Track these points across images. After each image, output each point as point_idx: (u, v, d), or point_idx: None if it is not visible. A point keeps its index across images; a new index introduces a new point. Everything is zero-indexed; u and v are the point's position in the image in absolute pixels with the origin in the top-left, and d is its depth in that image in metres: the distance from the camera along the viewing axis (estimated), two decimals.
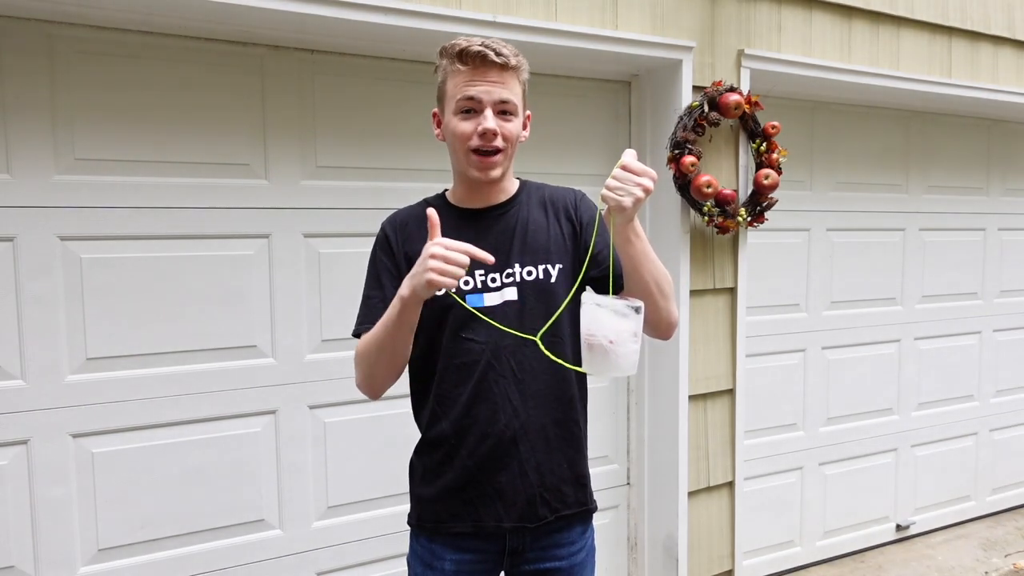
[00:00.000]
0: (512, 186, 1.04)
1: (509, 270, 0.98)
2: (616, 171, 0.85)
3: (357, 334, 1.02)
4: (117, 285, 1.44)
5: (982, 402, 2.72)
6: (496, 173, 0.97)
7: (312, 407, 1.63)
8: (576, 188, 1.08)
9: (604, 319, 0.84)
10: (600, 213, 0.92)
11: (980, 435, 2.72)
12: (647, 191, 0.85)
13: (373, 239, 1.77)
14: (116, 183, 1.43)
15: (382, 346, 0.94)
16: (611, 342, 0.84)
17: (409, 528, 1.06)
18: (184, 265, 1.49)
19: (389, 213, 1.09)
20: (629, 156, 0.87)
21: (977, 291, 2.68)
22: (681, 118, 1.79)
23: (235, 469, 1.56)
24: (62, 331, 1.40)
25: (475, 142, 0.94)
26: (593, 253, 0.97)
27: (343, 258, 1.64)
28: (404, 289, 0.89)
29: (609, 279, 0.91)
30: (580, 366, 1.01)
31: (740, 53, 1.89)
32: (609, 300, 0.85)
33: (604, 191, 0.86)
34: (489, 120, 0.93)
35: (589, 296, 0.87)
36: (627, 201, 0.85)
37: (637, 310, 0.86)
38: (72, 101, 1.38)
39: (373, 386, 1.00)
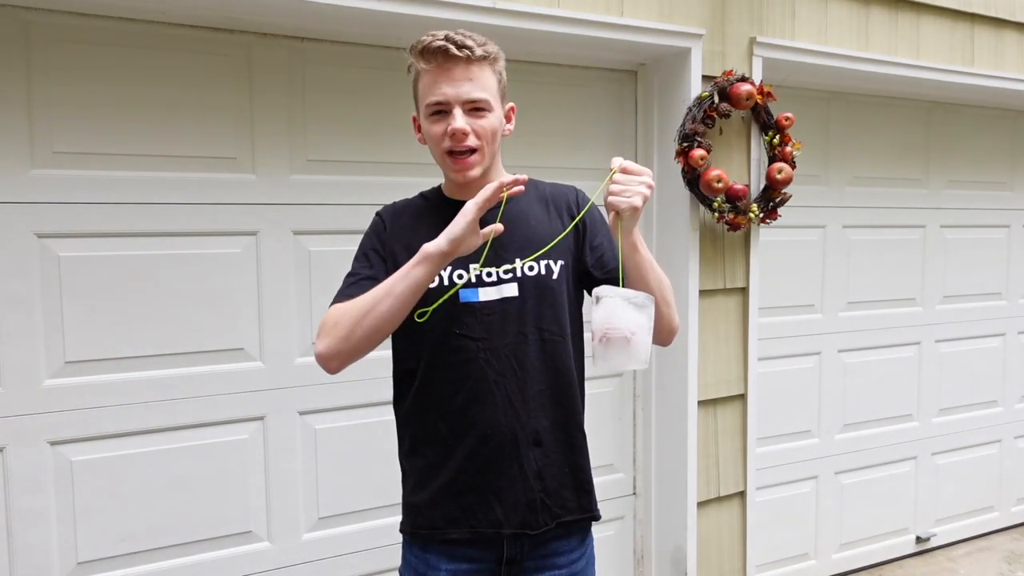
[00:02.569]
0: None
1: (508, 265, 0.94)
2: (617, 176, 0.87)
3: (339, 300, 0.94)
4: (97, 285, 1.38)
5: (1006, 408, 2.61)
6: (475, 173, 0.94)
7: (302, 413, 1.57)
8: (575, 186, 1.04)
9: (624, 311, 0.86)
10: (597, 216, 0.95)
11: (1004, 442, 2.62)
12: (650, 187, 0.87)
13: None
14: (96, 177, 1.37)
15: (373, 306, 0.87)
16: (633, 334, 0.85)
17: (402, 538, 1.01)
18: (168, 264, 1.43)
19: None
20: (621, 160, 0.88)
21: (1001, 291, 2.58)
22: (690, 109, 1.71)
23: (221, 478, 1.49)
24: (39, 333, 1.34)
25: (447, 144, 0.91)
26: (597, 255, 0.97)
27: (334, 256, 1.57)
28: (431, 246, 0.86)
29: (620, 280, 0.91)
30: (577, 366, 1.00)
31: (752, 41, 1.81)
32: (627, 292, 0.87)
33: (611, 199, 0.87)
34: (458, 120, 0.89)
35: (606, 289, 0.88)
36: (637, 200, 0.86)
37: (651, 300, 0.89)
38: (50, 92, 1.33)
39: (344, 351, 0.88)
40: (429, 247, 0.86)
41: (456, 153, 0.91)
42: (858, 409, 2.29)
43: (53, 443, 1.36)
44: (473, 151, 0.91)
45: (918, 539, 2.44)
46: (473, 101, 0.90)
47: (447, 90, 0.89)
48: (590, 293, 0.99)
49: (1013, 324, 2.60)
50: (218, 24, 1.43)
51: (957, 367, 2.48)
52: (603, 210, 0.93)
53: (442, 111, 0.90)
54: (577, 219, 0.97)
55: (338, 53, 1.55)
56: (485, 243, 0.92)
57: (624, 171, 0.87)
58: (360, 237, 1.59)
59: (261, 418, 1.53)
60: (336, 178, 1.57)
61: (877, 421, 2.34)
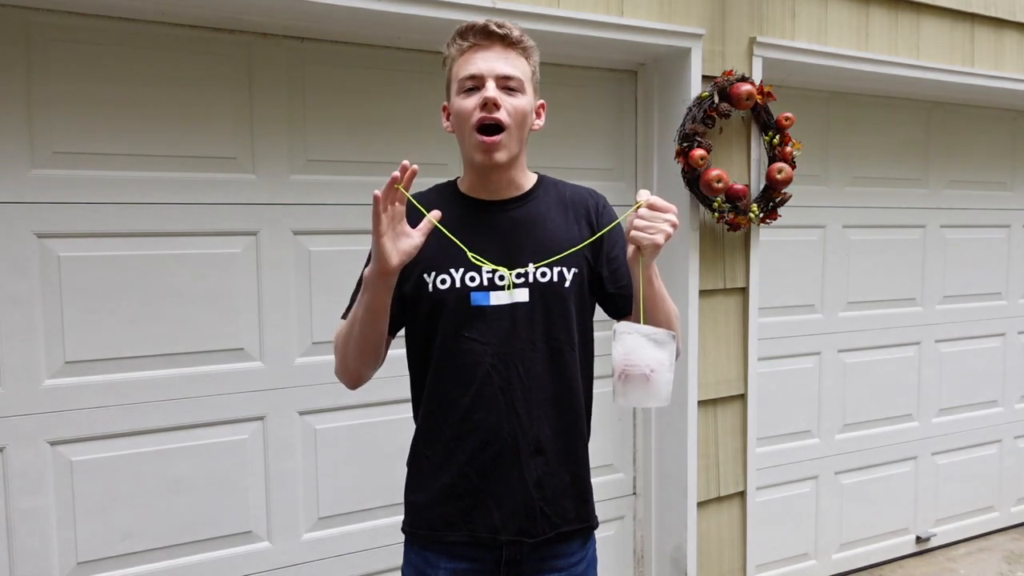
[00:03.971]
0: (527, 180, 0.99)
1: (521, 269, 0.93)
2: (642, 211, 0.86)
3: (345, 316, 0.99)
4: (97, 284, 1.38)
5: (1006, 408, 2.61)
6: (501, 156, 0.91)
7: (302, 413, 1.57)
8: (595, 190, 1.04)
9: (643, 348, 0.85)
10: (617, 227, 0.93)
11: (1004, 442, 2.62)
12: (674, 225, 0.87)
13: (365, 236, 1.69)
14: (96, 177, 1.37)
15: (350, 330, 0.93)
16: (652, 371, 0.84)
17: (403, 536, 1.01)
18: (168, 264, 1.43)
19: None
20: (648, 194, 0.87)
21: (1001, 291, 2.58)
22: (690, 109, 1.71)
23: (221, 478, 1.49)
24: (39, 333, 1.34)
25: (477, 115, 0.89)
26: (613, 268, 0.96)
27: (334, 256, 1.57)
28: (367, 269, 0.87)
29: (640, 316, 0.90)
30: (584, 376, 0.99)
31: (752, 41, 1.81)
32: (647, 329, 0.86)
33: (634, 233, 0.86)
34: (490, 89, 0.89)
35: (625, 326, 0.87)
36: (659, 238, 0.86)
37: (673, 338, 0.87)
38: (50, 92, 1.33)
39: (347, 372, 0.97)
40: (365, 272, 0.87)
41: (485, 130, 0.89)
42: (858, 409, 2.30)
43: (53, 443, 1.36)
44: (502, 129, 0.90)
45: (918, 539, 2.44)
46: (507, 77, 0.90)
47: (482, 64, 0.89)
48: (600, 305, 1.00)
49: (1013, 324, 2.60)
50: (218, 24, 1.43)
51: (957, 367, 2.48)
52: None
53: (475, 87, 0.90)
54: (598, 234, 0.96)
55: (338, 53, 1.55)
56: (499, 244, 0.92)
57: (651, 206, 0.85)
58: (359, 236, 1.59)
59: (261, 418, 1.53)
60: (336, 178, 1.57)
61: (877, 421, 2.34)
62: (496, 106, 0.89)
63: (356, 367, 0.95)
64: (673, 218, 0.86)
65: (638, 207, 0.86)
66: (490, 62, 0.90)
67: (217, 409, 1.48)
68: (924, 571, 2.35)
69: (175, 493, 1.45)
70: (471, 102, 0.90)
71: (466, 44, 0.91)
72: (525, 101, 0.92)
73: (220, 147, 1.46)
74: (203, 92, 1.44)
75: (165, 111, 1.41)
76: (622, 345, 0.85)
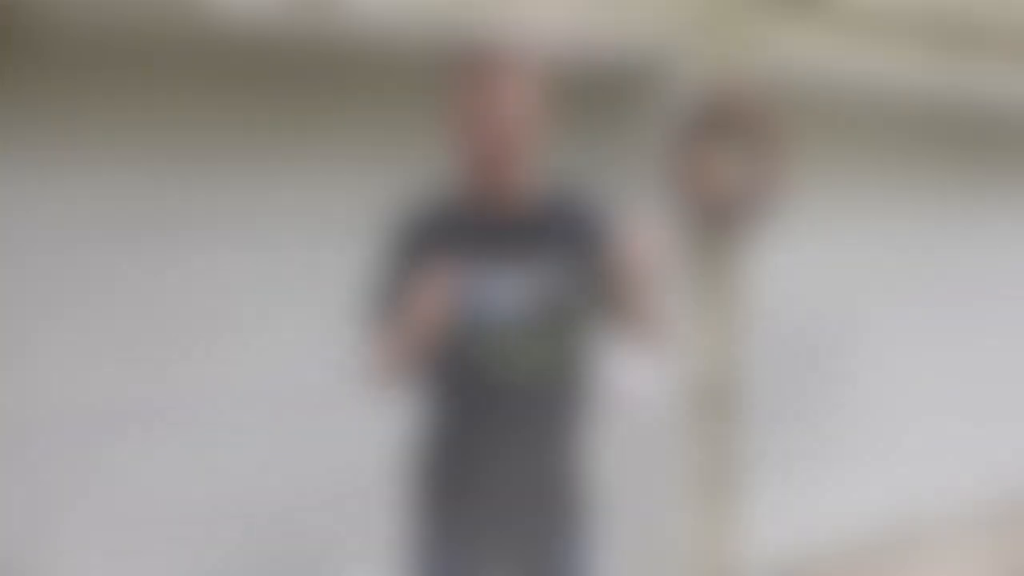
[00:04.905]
0: (529, 187, 1.03)
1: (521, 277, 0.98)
2: (631, 237, 0.91)
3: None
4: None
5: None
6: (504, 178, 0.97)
7: None
8: (594, 199, 1.07)
9: (629, 367, 0.91)
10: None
11: (986, 431, 2.69)
12: (661, 251, 0.94)
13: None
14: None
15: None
16: (636, 388, 0.92)
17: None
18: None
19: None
20: (638, 221, 0.95)
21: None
22: (679, 118, 1.78)
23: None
24: None
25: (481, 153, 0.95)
26: (606, 275, 0.97)
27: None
28: None
29: (626, 326, 0.94)
30: (584, 382, 1.02)
31: (739, 54, 1.88)
32: (633, 348, 0.92)
33: (623, 257, 0.91)
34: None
35: (613, 345, 0.93)
36: (645, 263, 0.91)
37: (656, 354, 0.95)
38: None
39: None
40: None
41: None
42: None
43: None
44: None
45: (902, 528, 2.51)
46: (510, 117, 0.91)
47: (485, 102, 0.91)
48: (592, 308, 1.03)
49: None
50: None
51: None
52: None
53: (478, 123, 0.93)
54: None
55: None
56: (501, 249, 0.95)
57: (639, 233, 0.91)
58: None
59: None
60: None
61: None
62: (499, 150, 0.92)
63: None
64: (660, 245, 0.92)
65: (627, 233, 0.91)
66: (493, 101, 0.91)
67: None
68: (907, 559, 2.42)
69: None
70: (475, 137, 0.93)
71: (469, 77, 0.91)
72: (528, 132, 0.94)
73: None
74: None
75: None
76: (608, 363, 0.91)
